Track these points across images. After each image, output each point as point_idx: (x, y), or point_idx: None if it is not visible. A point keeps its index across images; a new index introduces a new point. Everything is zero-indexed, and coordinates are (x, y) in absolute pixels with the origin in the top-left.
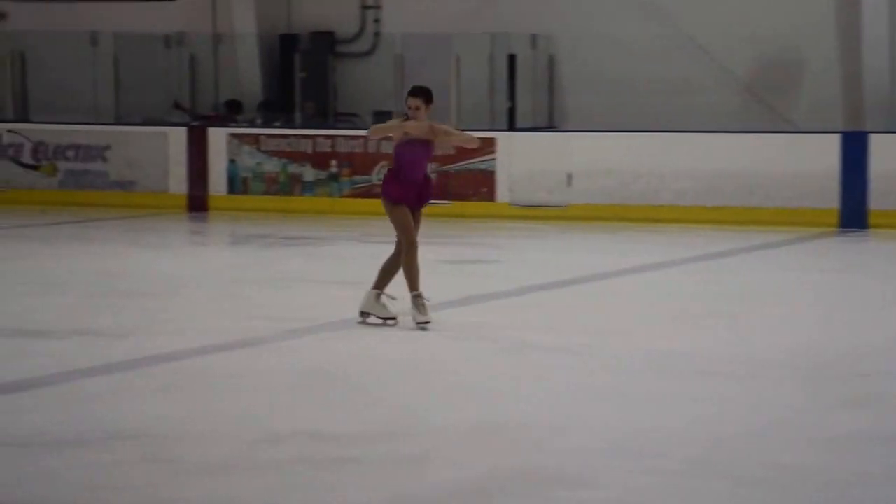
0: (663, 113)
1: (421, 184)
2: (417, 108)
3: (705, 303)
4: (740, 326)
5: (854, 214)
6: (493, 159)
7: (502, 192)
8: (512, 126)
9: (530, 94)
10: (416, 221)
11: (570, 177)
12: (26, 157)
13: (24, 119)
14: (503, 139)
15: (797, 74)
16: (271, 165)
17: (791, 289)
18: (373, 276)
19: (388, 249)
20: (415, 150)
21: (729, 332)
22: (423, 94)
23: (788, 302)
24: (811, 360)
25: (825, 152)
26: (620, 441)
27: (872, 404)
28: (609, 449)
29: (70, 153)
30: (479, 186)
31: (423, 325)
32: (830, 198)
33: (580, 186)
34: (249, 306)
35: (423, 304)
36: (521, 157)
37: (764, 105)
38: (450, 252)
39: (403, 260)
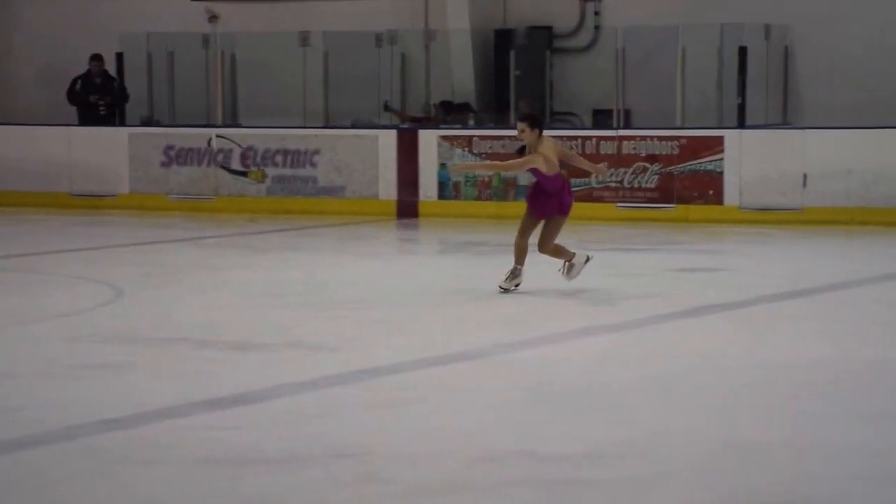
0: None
1: (552, 194)
2: (522, 132)
3: None
4: None
5: None
6: (721, 159)
7: (731, 195)
8: (742, 123)
9: (762, 88)
10: (552, 227)
11: (805, 178)
12: (235, 164)
13: (233, 123)
14: (732, 137)
15: None
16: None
17: None
18: (596, 285)
19: (616, 256)
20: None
21: None
22: (527, 119)
23: None
24: None
25: None
26: (875, 469)
27: None
28: (860, 477)
29: (279, 158)
30: (706, 188)
31: (502, 288)
32: None
33: (817, 188)
34: (465, 318)
35: (514, 278)
36: (751, 157)
37: None
38: (675, 260)
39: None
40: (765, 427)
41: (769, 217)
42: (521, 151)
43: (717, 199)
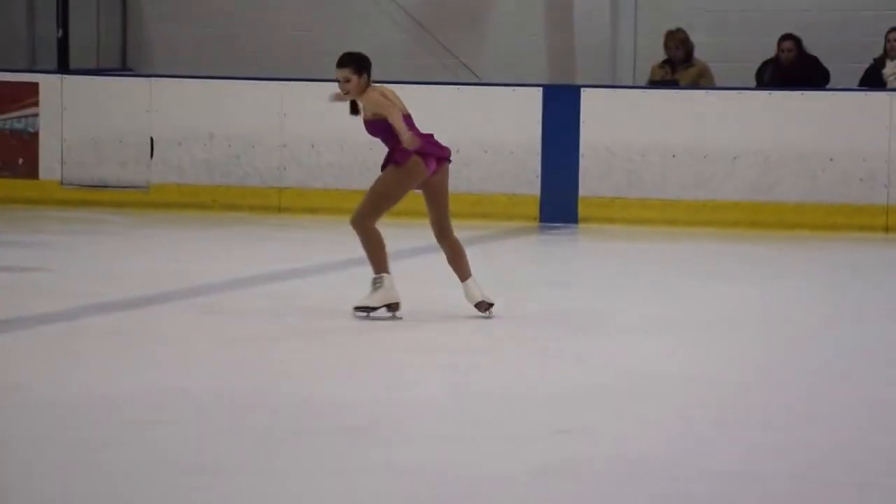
0: (289, 52)
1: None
2: (347, 81)
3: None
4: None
5: (560, 203)
6: (36, 115)
7: (49, 165)
8: (64, 66)
9: (93, 18)
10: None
11: (152, 143)
12: None
13: None
14: (50, 85)
15: (484, 8)
16: None
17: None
18: None
19: None
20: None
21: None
22: (350, 63)
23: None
24: None
25: (521, 114)
26: None
27: None
28: None
29: None
30: (15, 156)
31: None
32: (528, 179)
33: (168, 158)
34: None
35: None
36: (78, 114)
37: (438, 46)
38: None
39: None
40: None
41: (104, 197)
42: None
43: (31, 170)
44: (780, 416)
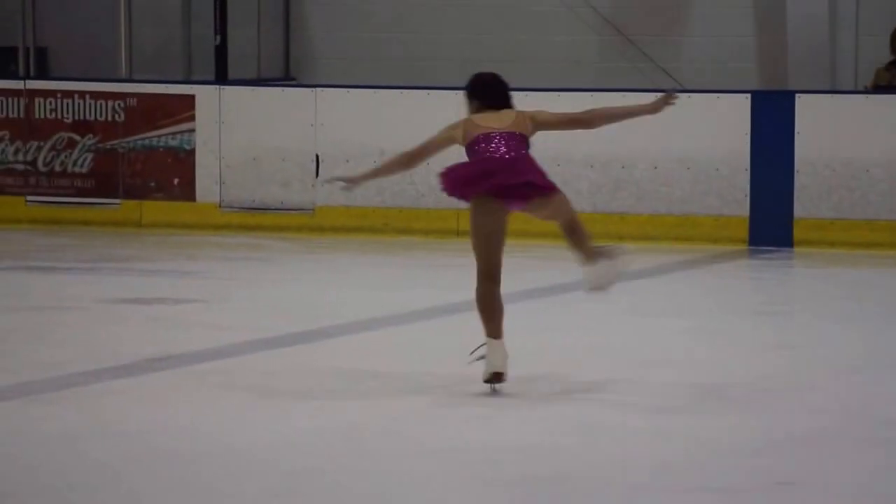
0: (466, 58)
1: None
2: None
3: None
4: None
5: (773, 224)
6: (192, 131)
7: (207, 186)
8: (222, 76)
9: (253, 23)
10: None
11: (318, 161)
12: None
13: None
14: (207, 97)
15: (685, 6)
16: None
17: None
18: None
19: (30, 279)
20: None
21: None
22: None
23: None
24: None
25: (727, 125)
26: None
27: None
28: None
29: None
30: (169, 176)
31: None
32: (735, 197)
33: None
34: None
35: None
36: (237, 129)
37: (635, 50)
38: (118, 286)
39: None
40: None
41: (265, 221)
42: None
43: (188, 192)
44: None
